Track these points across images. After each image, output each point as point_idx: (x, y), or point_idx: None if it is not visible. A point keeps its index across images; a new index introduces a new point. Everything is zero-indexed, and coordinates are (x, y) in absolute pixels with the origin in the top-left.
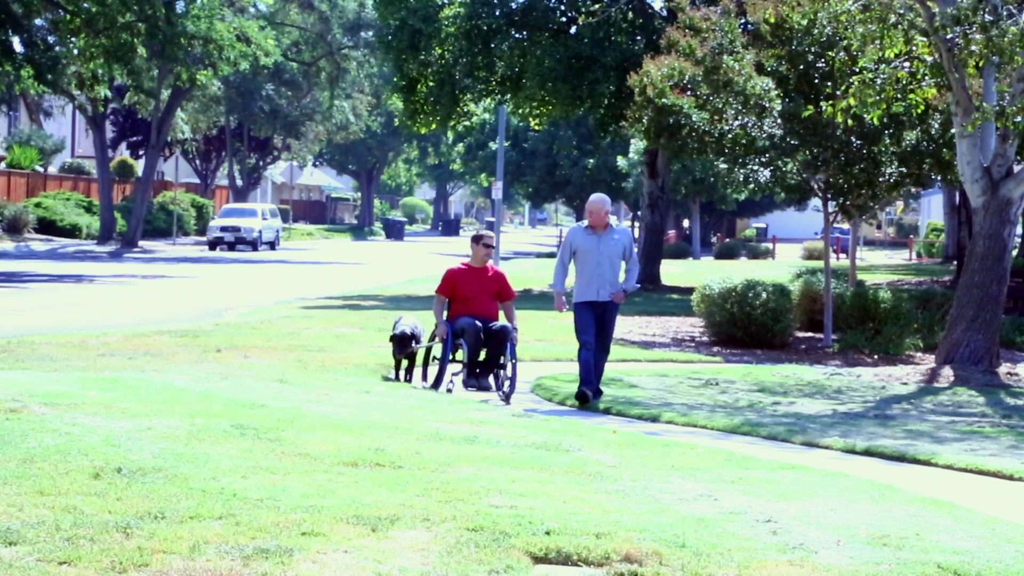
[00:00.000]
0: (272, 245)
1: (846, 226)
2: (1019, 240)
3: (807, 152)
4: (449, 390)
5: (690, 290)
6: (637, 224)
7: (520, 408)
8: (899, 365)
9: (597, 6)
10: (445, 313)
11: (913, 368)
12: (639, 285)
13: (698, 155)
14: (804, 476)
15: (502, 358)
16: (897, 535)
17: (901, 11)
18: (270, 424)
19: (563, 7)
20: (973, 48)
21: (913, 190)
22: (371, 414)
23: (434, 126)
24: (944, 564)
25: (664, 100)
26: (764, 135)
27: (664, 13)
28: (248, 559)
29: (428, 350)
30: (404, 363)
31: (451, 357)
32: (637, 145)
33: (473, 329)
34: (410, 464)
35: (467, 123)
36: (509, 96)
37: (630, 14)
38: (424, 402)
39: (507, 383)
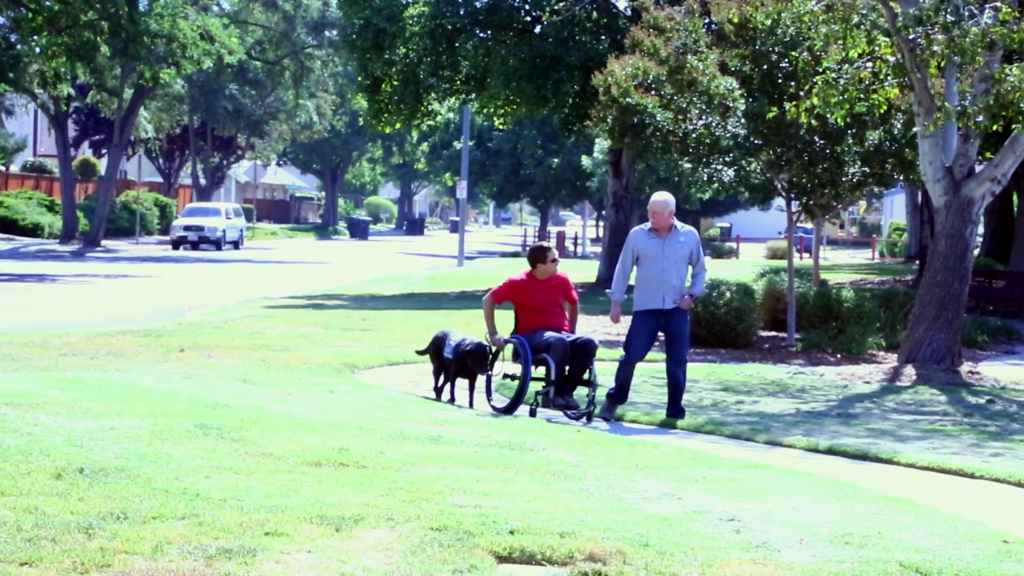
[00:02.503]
0: (236, 244)
1: (809, 225)
2: (980, 239)
3: (771, 152)
4: (533, 412)
5: None
6: (602, 223)
7: (601, 425)
8: (862, 364)
9: (561, 5)
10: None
11: (876, 367)
12: (706, 290)
13: (662, 154)
14: (767, 475)
15: (586, 374)
16: (859, 533)
17: (864, 11)
18: (233, 424)
19: (527, 6)
20: (935, 48)
21: (876, 190)
22: (335, 414)
23: (398, 125)
24: (906, 562)
25: (628, 100)
26: (728, 135)
27: (628, 13)
28: (211, 559)
29: (489, 367)
30: (441, 378)
31: (532, 375)
32: (601, 144)
33: (562, 345)
34: (374, 464)
35: (431, 122)
36: (473, 95)
37: (594, 13)
38: (388, 402)
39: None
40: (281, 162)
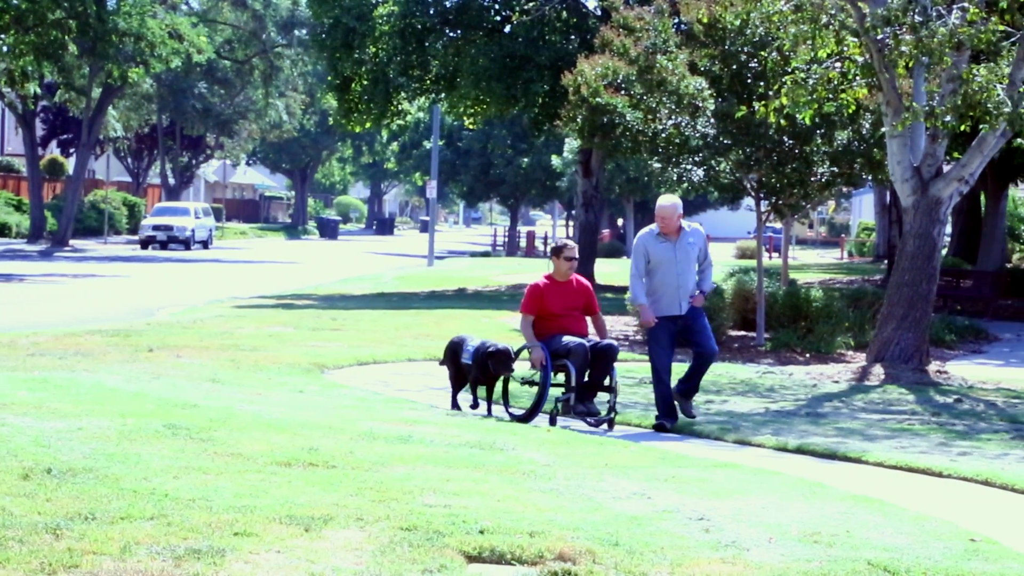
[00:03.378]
0: (205, 244)
1: (778, 225)
2: (948, 239)
3: (740, 151)
4: (553, 420)
5: (624, 289)
6: (572, 223)
7: (620, 432)
8: (831, 363)
9: (531, 5)
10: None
11: (844, 366)
12: (715, 284)
13: (632, 154)
14: (737, 474)
15: (608, 379)
16: (828, 532)
17: (832, 12)
18: (202, 424)
19: (497, 6)
20: (903, 49)
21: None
22: (304, 414)
23: (368, 125)
24: (874, 561)
25: (598, 99)
26: (697, 134)
27: (598, 12)
28: (180, 560)
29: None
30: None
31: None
32: (571, 144)
33: (582, 350)
34: (343, 464)
35: (401, 122)
36: (443, 95)
37: (564, 13)
38: (357, 401)
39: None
40: (250, 161)
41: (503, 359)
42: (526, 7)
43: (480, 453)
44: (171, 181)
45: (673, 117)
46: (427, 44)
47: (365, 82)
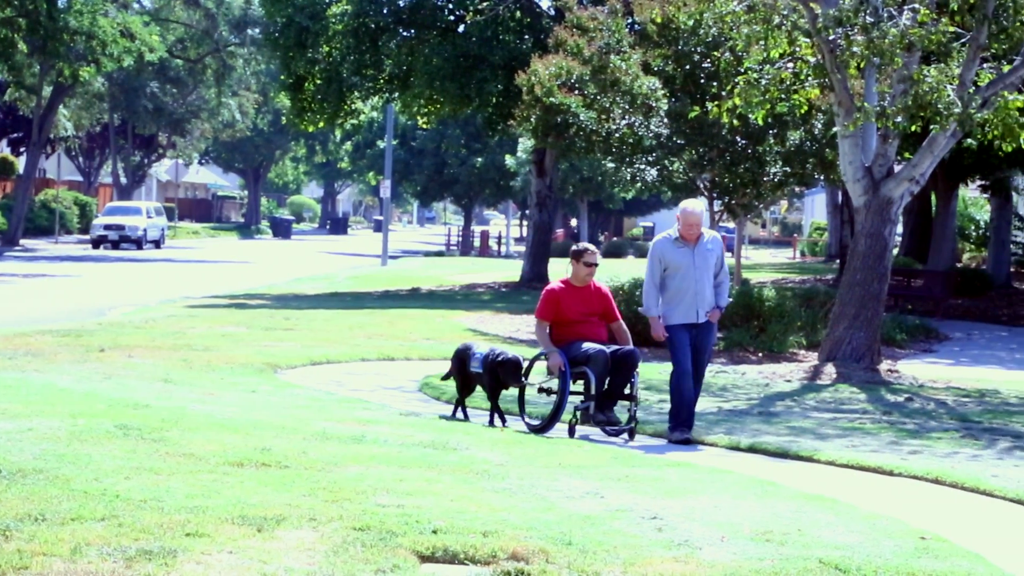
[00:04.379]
0: (157, 244)
1: (731, 225)
2: (899, 239)
3: (693, 151)
4: (572, 430)
5: None
6: (526, 223)
7: (640, 442)
8: (783, 363)
9: (485, 4)
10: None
11: (797, 365)
12: (731, 299)
13: (586, 154)
14: (689, 473)
15: (628, 387)
16: (780, 531)
17: (785, 12)
18: (154, 424)
19: (451, 5)
20: (855, 49)
21: (797, 189)
22: (257, 413)
23: (322, 124)
24: (825, 559)
25: (552, 99)
26: (651, 134)
27: (552, 12)
28: (131, 561)
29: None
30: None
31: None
32: (525, 144)
33: (603, 357)
34: (296, 464)
35: (355, 121)
36: (397, 94)
37: (518, 13)
38: (311, 401)
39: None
40: (203, 161)
41: (512, 370)
42: (480, 7)
43: (434, 453)
44: (123, 180)
45: (627, 117)
46: (380, 43)
47: (318, 81)
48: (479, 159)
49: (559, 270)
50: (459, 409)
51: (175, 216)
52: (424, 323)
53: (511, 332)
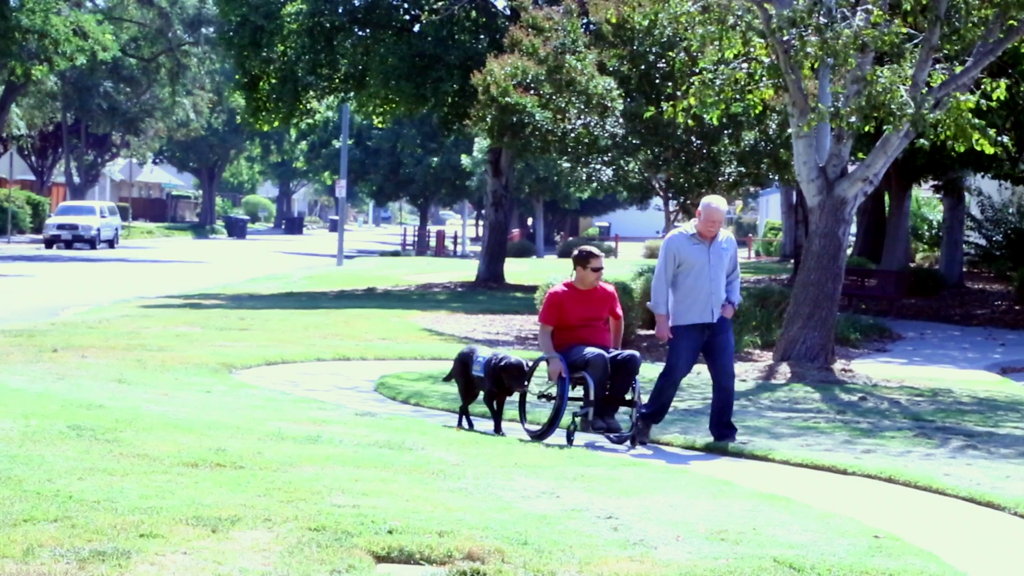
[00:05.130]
0: (111, 243)
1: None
2: (853, 239)
3: (648, 151)
4: (570, 436)
5: (534, 288)
6: (481, 223)
7: (641, 451)
8: (738, 362)
9: (440, 4)
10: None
11: (751, 365)
12: (741, 297)
13: (541, 154)
14: (645, 472)
15: (629, 393)
16: (735, 530)
17: (739, 13)
18: (108, 425)
19: (406, 5)
20: (808, 50)
21: (752, 189)
22: (212, 414)
23: (277, 123)
24: (780, 558)
25: (507, 99)
26: (606, 134)
27: (507, 12)
28: (84, 562)
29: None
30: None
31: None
32: (481, 144)
33: (601, 362)
34: (251, 464)
35: (310, 121)
36: (353, 94)
37: (473, 12)
38: (266, 401)
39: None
40: (157, 160)
41: (515, 374)
42: (435, 6)
43: (389, 453)
44: (76, 180)
45: (582, 117)
46: (336, 43)
47: (273, 80)
48: (435, 159)
49: (515, 270)
50: (464, 418)
51: (129, 216)
52: (380, 323)
53: (467, 332)
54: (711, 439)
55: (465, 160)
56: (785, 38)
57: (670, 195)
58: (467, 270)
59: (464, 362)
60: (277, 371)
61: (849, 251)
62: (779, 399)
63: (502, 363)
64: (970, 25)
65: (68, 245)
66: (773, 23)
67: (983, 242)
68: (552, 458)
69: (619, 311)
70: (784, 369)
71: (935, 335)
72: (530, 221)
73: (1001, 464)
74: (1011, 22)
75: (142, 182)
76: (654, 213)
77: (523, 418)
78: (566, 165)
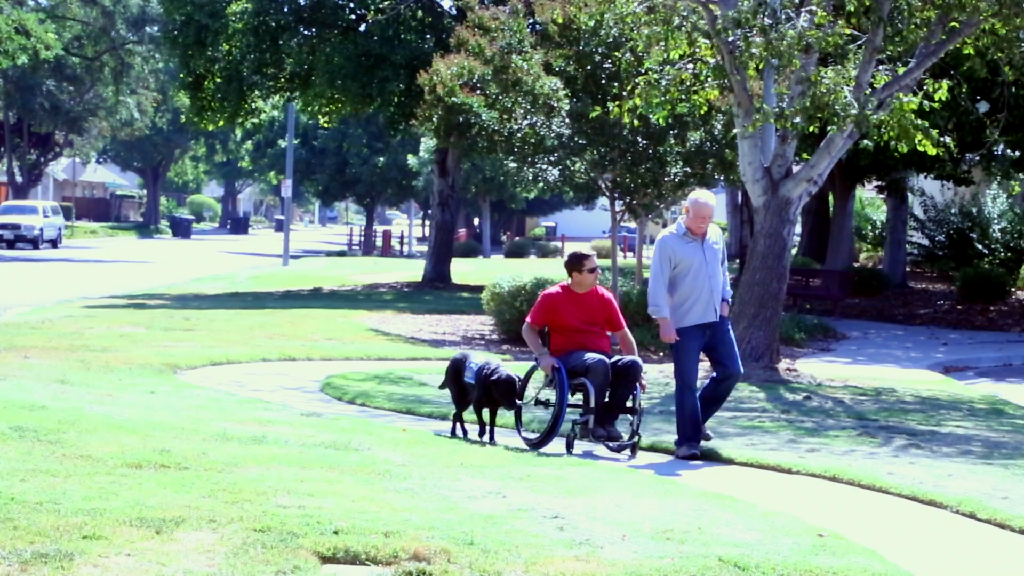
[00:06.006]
0: (54, 243)
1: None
2: (798, 239)
3: (595, 151)
4: (570, 445)
5: (480, 288)
6: (428, 223)
7: (643, 460)
8: None
9: (386, 4)
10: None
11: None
12: (732, 292)
13: (488, 154)
14: (591, 472)
15: (630, 400)
16: (680, 529)
17: (685, 13)
18: (50, 426)
19: (352, 4)
20: (753, 51)
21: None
22: (156, 415)
23: (222, 123)
24: (725, 557)
25: (454, 99)
26: (553, 134)
27: (453, 12)
28: (26, 564)
29: (520, 394)
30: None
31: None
32: (427, 143)
33: (602, 368)
34: (196, 465)
35: (255, 120)
36: (298, 93)
37: (419, 12)
38: (211, 402)
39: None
40: (101, 160)
41: (504, 391)
42: (381, 6)
43: (335, 453)
44: (18, 179)
45: (528, 117)
46: (281, 42)
47: (218, 80)
48: (381, 159)
49: (462, 270)
50: (457, 425)
51: (72, 215)
52: (326, 323)
53: (414, 332)
54: (657, 438)
55: (411, 160)
56: (730, 39)
57: (616, 195)
58: (414, 270)
59: (457, 369)
60: (222, 371)
61: (794, 251)
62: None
63: (492, 377)
64: (913, 27)
65: (10, 245)
66: (718, 24)
67: (926, 242)
68: (498, 458)
69: (621, 321)
70: None
71: (879, 335)
72: (477, 221)
73: (943, 463)
74: (953, 24)
75: (86, 181)
76: (600, 213)
77: (519, 426)
78: (512, 165)
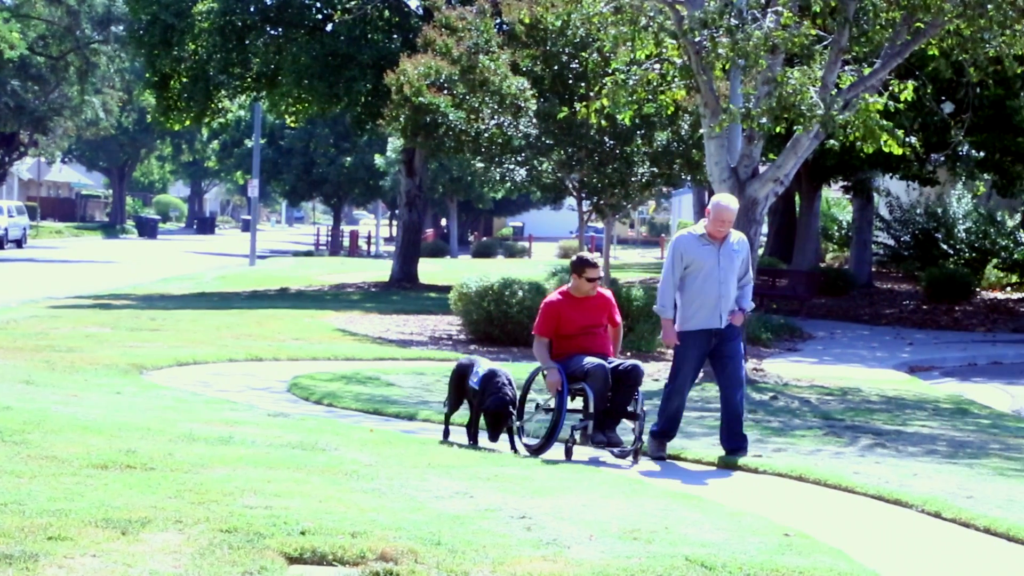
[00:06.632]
0: (19, 243)
1: (600, 225)
2: (764, 239)
3: (562, 152)
4: (569, 451)
5: (447, 288)
6: (395, 223)
7: (646, 467)
8: (651, 361)
9: (353, 4)
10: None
11: (664, 364)
12: (754, 304)
13: (455, 154)
14: (558, 472)
15: (631, 405)
16: (647, 529)
17: (651, 14)
18: (15, 427)
19: (319, 4)
20: (720, 51)
21: (664, 189)
22: (122, 415)
23: (188, 122)
24: (692, 556)
25: (421, 99)
26: (520, 134)
27: (420, 12)
28: None
29: (522, 400)
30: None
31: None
32: (395, 143)
33: (602, 373)
34: (162, 466)
35: (222, 120)
36: (265, 93)
37: (387, 12)
38: (177, 403)
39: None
40: (66, 159)
41: (492, 421)
42: (348, 5)
43: (302, 454)
44: None
45: (496, 117)
46: (248, 42)
47: (184, 79)
48: (348, 158)
49: (429, 270)
50: (450, 427)
51: (37, 215)
52: (292, 323)
53: (381, 332)
54: (625, 438)
55: (379, 160)
56: (697, 39)
57: (583, 195)
58: (381, 270)
59: (461, 374)
60: (189, 372)
61: (760, 251)
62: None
63: (487, 404)
64: (878, 27)
65: None
66: (685, 24)
67: (891, 242)
68: (466, 458)
69: (618, 318)
70: None
71: (845, 334)
72: (444, 221)
73: (909, 462)
74: (918, 24)
75: (51, 181)
76: (567, 213)
77: (520, 431)
78: (480, 165)
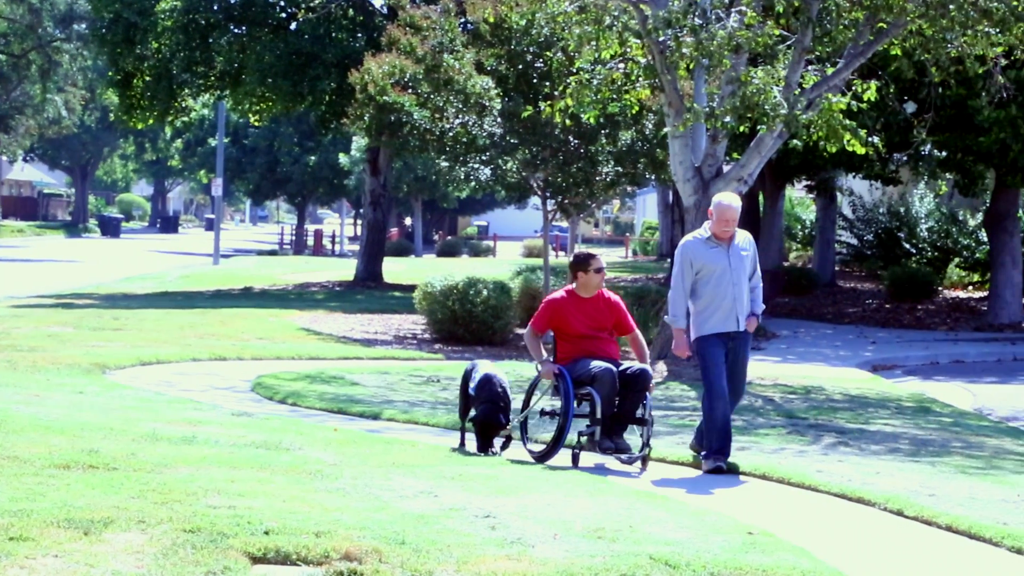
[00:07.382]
0: None
1: (565, 224)
2: None
3: (526, 151)
4: (575, 457)
5: (412, 288)
6: (359, 222)
7: (652, 476)
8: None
9: (317, 2)
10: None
11: (627, 364)
12: (764, 307)
13: (420, 153)
14: (523, 471)
15: (640, 410)
16: (612, 528)
17: (616, 13)
18: None
19: (283, 3)
20: (684, 51)
21: (629, 189)
22: (84, 415)
23: (151, 121)
24: (656, 555)
25: (385, 98)
26: (484, 134)
27: (385, 11)
28: None
29: (526, 404)
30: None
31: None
32: (359, 142)
33: (609, 377)
34: (125, 466)
35: (185, 118)
36: (229, 91)
37: (351, 11)
38: (140, 402)
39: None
40: (28, 158)
41: (483, 430)
42: (312, 4)
43: (266, 453)
44: None
45: (460, 116)
46: (211, 40)
47: (147, 78)
48: (312, 157)
49: (394, 269)
50: (465, 435)
51: None
52: (257, 323)
53: (345, 332)
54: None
55: (343, 159)
56: (661, 39)
57: (548, 194)
58: (345, 269)
59: (465, 379)
60: (152, 371)
61: None
62: (655, 397)
63: (478, 414)
64: (841, 27)
65: None
66: (649, 24)
67: (855, 241)
68: (430, 457)
69: (631, 323)
70: (660, 367)
71: (808, 333)
72: (408, 220)
73: (871, 460)
74: (881, 25)
75: (12, 180)
76: (532, 212)
77: (524, 437)
78: (444, 164)
